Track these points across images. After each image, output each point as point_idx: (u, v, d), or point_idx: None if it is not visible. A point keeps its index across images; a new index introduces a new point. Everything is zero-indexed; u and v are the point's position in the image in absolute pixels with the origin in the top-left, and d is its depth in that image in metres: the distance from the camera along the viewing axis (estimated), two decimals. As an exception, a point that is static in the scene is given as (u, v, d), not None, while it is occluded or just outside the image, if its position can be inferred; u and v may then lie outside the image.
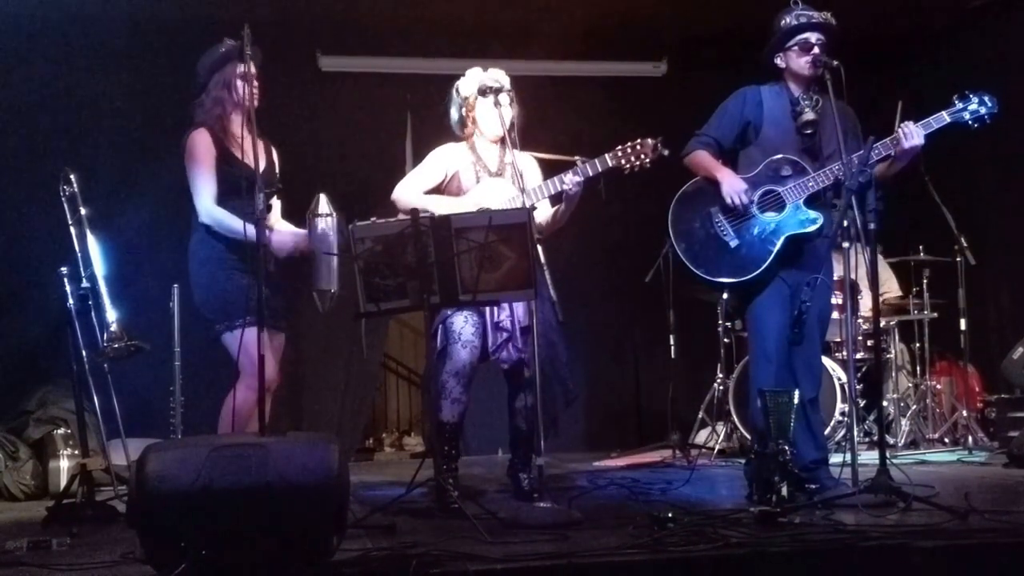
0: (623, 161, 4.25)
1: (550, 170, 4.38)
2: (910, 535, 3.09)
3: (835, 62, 4.05)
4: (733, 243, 4.24)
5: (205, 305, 4.10)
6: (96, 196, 4.33)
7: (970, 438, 6.19)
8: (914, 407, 6.44)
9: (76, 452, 4.87)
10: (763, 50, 4.31)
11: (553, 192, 4.29)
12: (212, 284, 4.06)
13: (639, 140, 4.26)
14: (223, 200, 4.07)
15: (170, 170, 4.49)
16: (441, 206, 4.27)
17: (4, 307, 5.84)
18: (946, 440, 6.34)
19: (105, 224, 4.29)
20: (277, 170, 4.33)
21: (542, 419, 3.75)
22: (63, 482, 4.88)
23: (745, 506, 3.71)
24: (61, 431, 5.16)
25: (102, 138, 6.21)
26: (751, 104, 4.31)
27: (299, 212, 4.23)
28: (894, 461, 3.95)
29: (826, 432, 5.23)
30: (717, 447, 6.15)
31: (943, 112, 4.16)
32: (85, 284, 4.09)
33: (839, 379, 5.79)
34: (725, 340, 6.39)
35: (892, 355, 6.52)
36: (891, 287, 6.80)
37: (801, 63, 4.20)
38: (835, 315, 5.68)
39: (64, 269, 4.08)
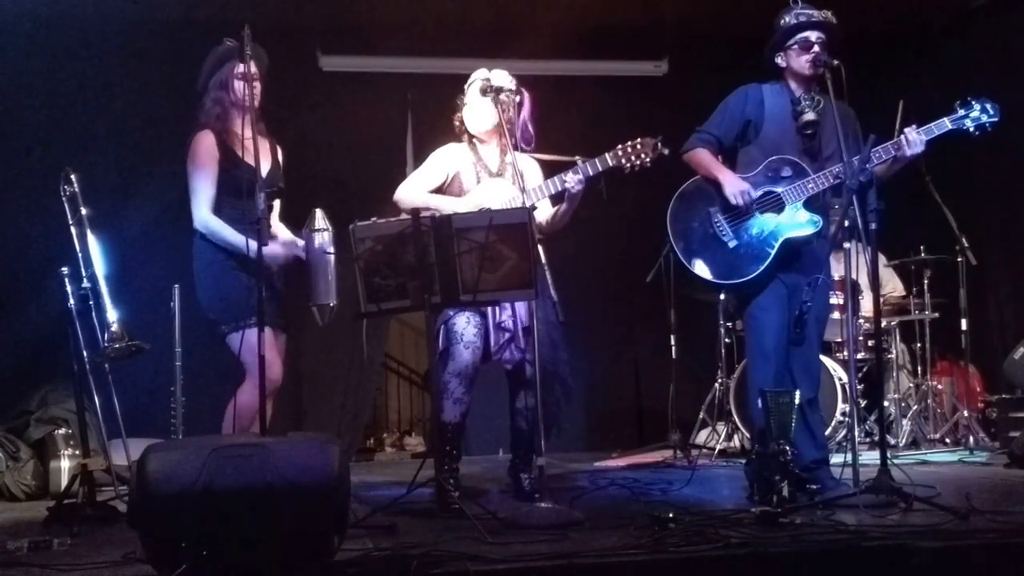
0: (624, 160, 4.25)
1: (551, 170, 4.38)
2: (911, 535, 3.09)
3: (835, 61, 4.04)
4: (731, 243, 4.24)
5: (210, 306, 4.10)
6: (97, 196, 4.32)
7: (971, 438, 6.17)
8: (915, 407, 6.43)
9: (77, 452, 4.86)
10: (764, 49, 4.31)
11: (554, 192, 4.29)
12: (217, 285, 4.06)
13: (639, 139, 4.25)
14: (226, 200, 4.07)
15: (171, 170, 4.49)
16: (443, 205, 4.28)
17: (4, 307, 5.84)
18: (947, 440, 6.33)
19: (106, 224, 4.28)
20: (282, 170, 4.32)
21: (544, 419, 3.75)
22: (64, 482, 4.87)
23: (746, 506, 3.71)
24: (62, 431, 5.15)
25: (102, 138, 6.20)
26: (752, 102, 4.30)
27: (298, 213, 4.23)
28: (895, 461, 3.95)
29: (827, 432, 5.23)
30: (718, 447, 6.16)
31: (945, 119, 4.15)
32: (86, 284, 4.08)
33: (840, 379, 5.79)
34: (726, 340, 6.40)
35: (893, 355, 6.52)
36: (895, 285, 6.79)
37: (801, 62, 4.19)
38: (836, 315, 5.69)
39: (65, 269, 4.07)
